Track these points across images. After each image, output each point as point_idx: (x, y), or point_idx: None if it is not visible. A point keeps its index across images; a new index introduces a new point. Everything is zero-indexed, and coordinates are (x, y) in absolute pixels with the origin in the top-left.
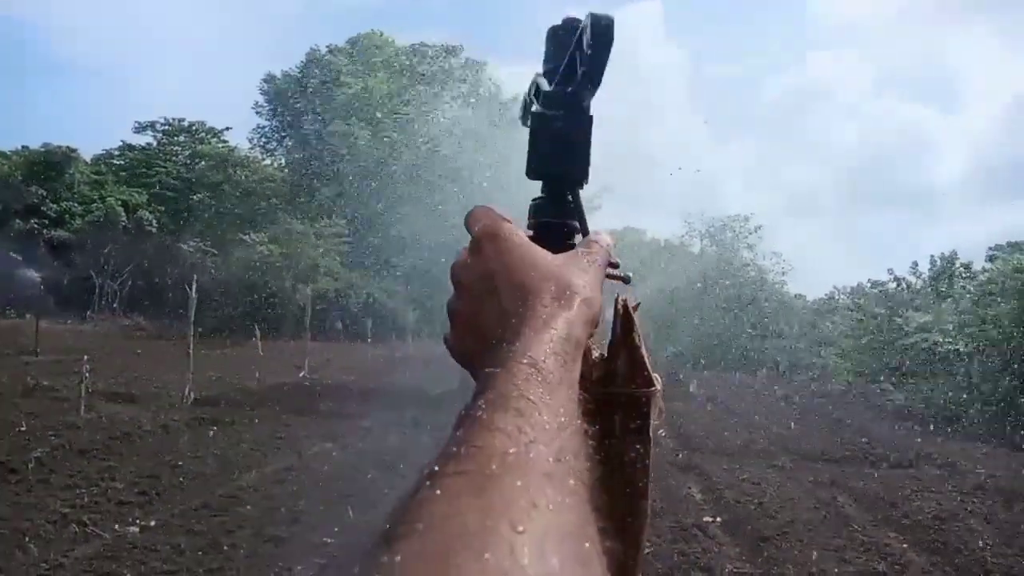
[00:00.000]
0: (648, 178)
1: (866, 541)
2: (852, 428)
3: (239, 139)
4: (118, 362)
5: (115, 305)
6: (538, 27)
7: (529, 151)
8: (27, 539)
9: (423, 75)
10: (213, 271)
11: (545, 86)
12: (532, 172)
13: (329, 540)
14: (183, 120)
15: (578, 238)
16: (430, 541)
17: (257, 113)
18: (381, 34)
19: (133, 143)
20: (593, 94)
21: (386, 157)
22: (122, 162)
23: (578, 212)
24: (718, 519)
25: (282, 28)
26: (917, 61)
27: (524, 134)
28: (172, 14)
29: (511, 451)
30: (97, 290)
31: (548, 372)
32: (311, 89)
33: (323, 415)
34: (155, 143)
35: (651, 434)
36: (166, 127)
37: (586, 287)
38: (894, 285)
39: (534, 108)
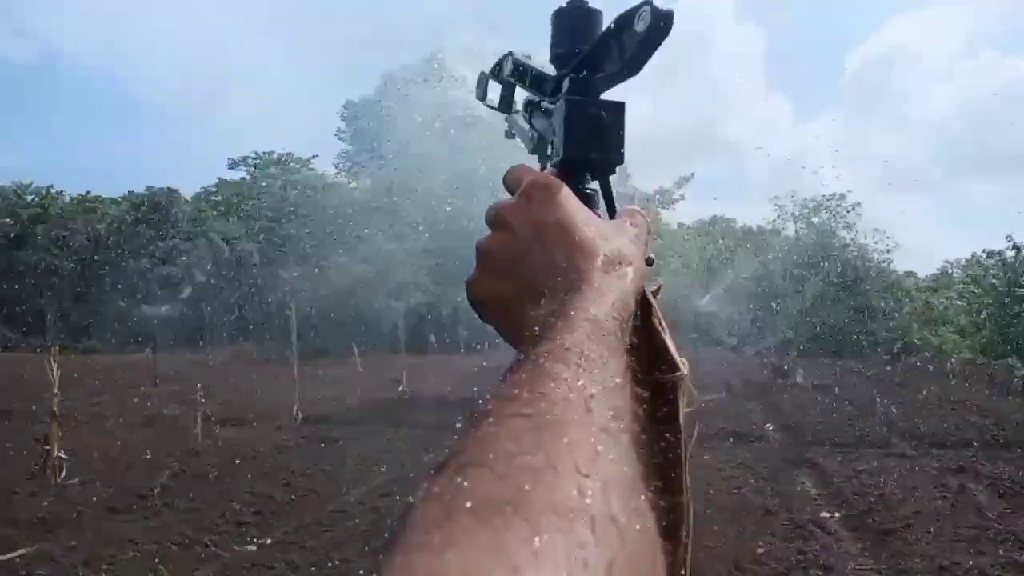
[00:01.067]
0: (733, 163)
1: (1002, 530)
2: (978, 409)
3: (325, 165)
4: (230, 388)
5: (224, 334)
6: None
7: (564, 138)
8: (157, 561)
9: None
10: (311, 294)
11: (543, 68)
12: (567, 160)
13: None
14: (272, 153)
15: None
16: (499, 473)
17: (339, 139)
18: (447, 52)
19: (228, 179)
20: (625, 80)
21: (465, 171)
22: (219, 198)
23: (608, 199)
24: (836, 514)
25: (358, 54)
26: (1014, 11)
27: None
28: (252, 53)
29: (573, 401)
30: (206, 321)
31: (608, 332)
32: (388, 111)
33: (424, 427)
34: (248, 177)
35: (681, 422)
36: (257, 161)
37: (637, 257)
38: (1012, 253)
39: (564, 95)
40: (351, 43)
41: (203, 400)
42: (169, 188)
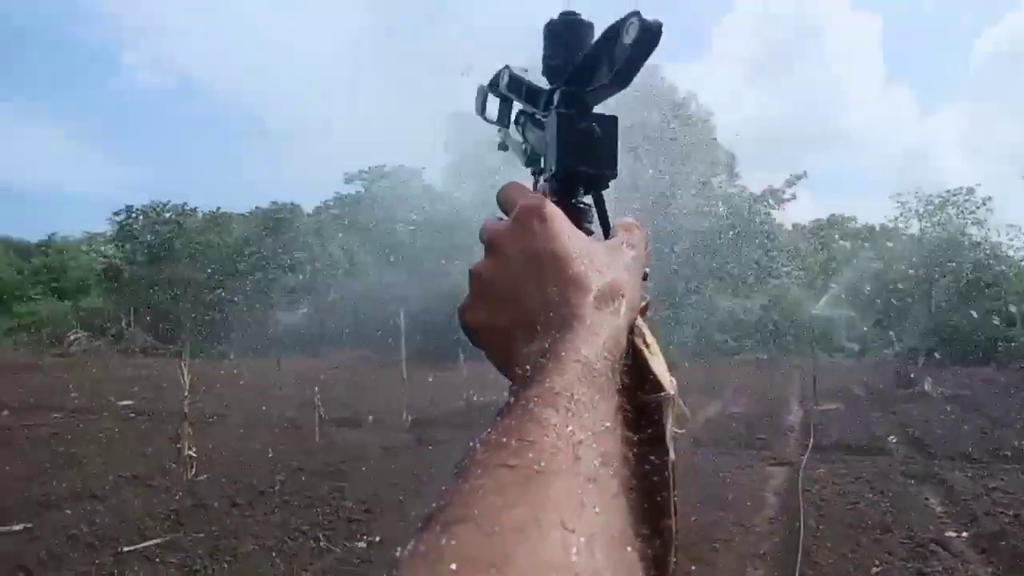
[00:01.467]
0: (852, 159)
1: None
2: None
3: (433, 177)
4: (345, 391)
5: (342, 339)
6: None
7: (557, 152)
8: (274, 555)
9: None
10: (421, 301)
11: (532, 81)
12: (559, 174)
13: None
14: (383, 166)
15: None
16: (485, 530)
17: (446, 151)
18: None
19: (344, 192)
20: (615, 93)
21: None
22: (337, 211)
23: (601, 213)
24: (963, 534)
25: (462, 65)
26: None
27: (696, 132)
28: (364, 74)
29: (561, 449)
30: (325, 327)
31: (599, 374)
32: (488, 120)
33: None
34: (363, 191)
35: (669, 443)
36: (369, 175)
37: (631, 288)
38: None
39: (555, 108)
40: (457, 56)
41: (320, 403)
42: (292, 203)
